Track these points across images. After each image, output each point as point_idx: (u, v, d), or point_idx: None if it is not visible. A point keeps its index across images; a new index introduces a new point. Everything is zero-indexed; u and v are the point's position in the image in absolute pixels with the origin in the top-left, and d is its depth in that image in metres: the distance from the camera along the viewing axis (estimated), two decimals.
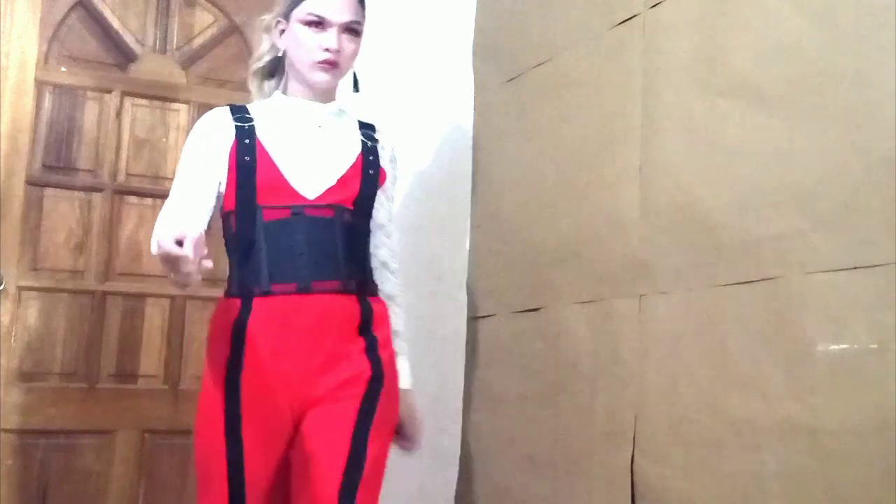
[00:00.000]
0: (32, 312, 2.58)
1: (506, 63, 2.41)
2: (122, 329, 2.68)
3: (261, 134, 1.77)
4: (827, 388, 1.40)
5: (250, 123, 1.78)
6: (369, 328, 1.76)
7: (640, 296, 1.82)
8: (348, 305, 1.74)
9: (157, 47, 2.83)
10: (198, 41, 2.87)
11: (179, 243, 1.35)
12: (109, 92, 2.73)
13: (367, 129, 1.91)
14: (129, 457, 2.62)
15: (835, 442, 1.37)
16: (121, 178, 2.73)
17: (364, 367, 1.72)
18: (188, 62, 2.86)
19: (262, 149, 1.75)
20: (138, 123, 2.77)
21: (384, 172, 1.87)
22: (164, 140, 2.80)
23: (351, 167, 1.81)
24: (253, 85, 1.92)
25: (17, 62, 2.61)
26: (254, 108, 1.84)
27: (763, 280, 1.54)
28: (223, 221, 1.80)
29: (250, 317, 1.69)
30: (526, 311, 2.21)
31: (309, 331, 1.69)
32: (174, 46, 2.85)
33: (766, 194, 1.55)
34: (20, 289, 2.56)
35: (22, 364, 2.55)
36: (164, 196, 2.75)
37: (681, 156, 1.76)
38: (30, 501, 2.51)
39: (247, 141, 1.75)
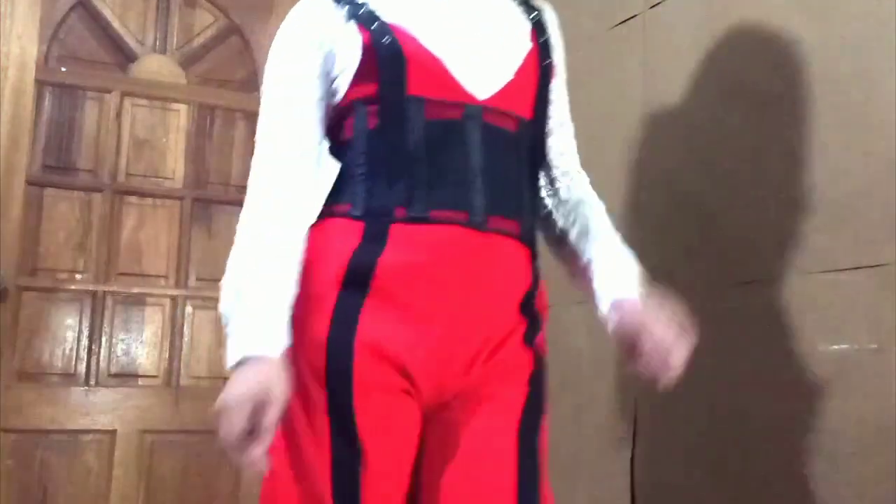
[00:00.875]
0: (32, 312, 2.58)
1: None
2: (122, 329, 2.69)
3: (385, 15, 1.19)
4: (827, 388, 1.39)
5: (364, 7, 1.20)
6: (531, 302, 1.22)
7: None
8: (525, 262, 1.21)
9: (157, 47, 2.83)
10: (198, 41, 2.88)
11: (259, 405, 0.99)
12: (109, 92, 2.74)
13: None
14: (129, 457, 2.62)
15: (835, 442, 1.37)
16: (121, 178, 2.73)
17: (525, 358, 1.20)
18: (188, 62, 2.86)
19: (399, 29, 1.18)
20: (138, 123, 2.77)
21: (554, 63, 1.30)
22: (164, 140, 2.80)
23: (528, 54, 1.24)
24: None
25: (17, 62, 2.61)
26: None
27: (763, 280, 1.53)
28: (346, 115, 1.20)
29: (384, 250, 1.12)
30: None
31: (475, 286, 1.14)
32: (174, 46, 2.85)
33: (767, 194, 1.55)
34: (20, 289, 2.56)
35: (22, 364, 2.55)
36: (163, 196, 2.78)
37: (681, 156, 1.76)
38: (30, 501, 2.51)
39: (374, 25, 1.18)
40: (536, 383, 1.20)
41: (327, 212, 1.19)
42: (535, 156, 1.26)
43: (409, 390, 1.12)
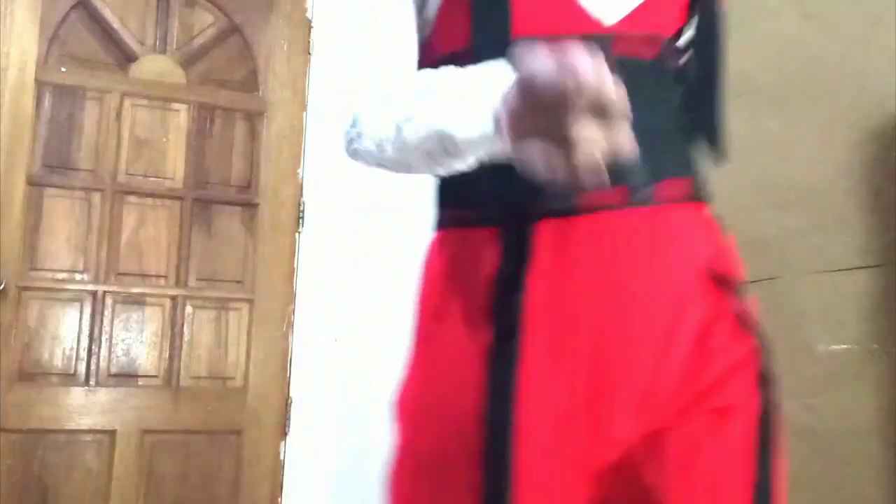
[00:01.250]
0: (32, 312, 2.58)
1: None
2: (122, 329, 2.68)
3: None
4: (827, 388, 1.39)
5: None
6: (719, 269, 0.93)
7: None
8: (705, 223, 0.93)
9: (157, 47, 2.83)
10: (198, 41, 2.87)
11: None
12: (109, 92, 2.74)
13: None
14: (129, 457, 2.62)
15: (835, 442, 1.37)
16: (121, 178, 2.73)
17: (744, 348, 0.90)
18: (188, 62, 2.85)
19: None
20: (138, 123, 2.77)
21: None
22: (164, 140, 2.80)
23: None
24: None
25: (17, 62, 2.61)
26: None
27: (763, 280, 1.54)
28: None
29: (531, 267, 0.82)
30: None
31: (651, 287, 0.84)
32: (174, 46, 2.85)
33: (766, 194, 1.55)
34: (20, 289, 2.56)
35: (22, 364, 2.55)
36: (163, 196, 2.78)
37: None
38: (30, 501, 2.51)
39: None
40: (765, 382, 0.93)
41: (440, 221, 0.93)
42: (694, 83, 0.96)
43: (590, 452, 0.84)
